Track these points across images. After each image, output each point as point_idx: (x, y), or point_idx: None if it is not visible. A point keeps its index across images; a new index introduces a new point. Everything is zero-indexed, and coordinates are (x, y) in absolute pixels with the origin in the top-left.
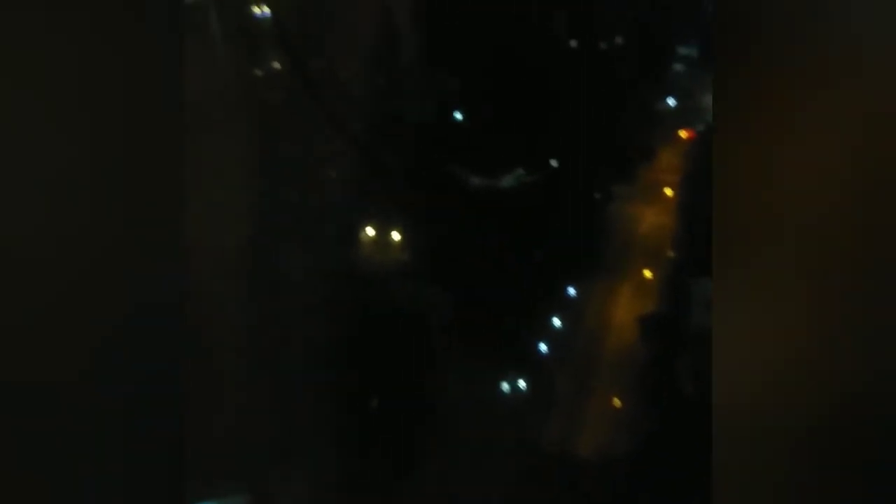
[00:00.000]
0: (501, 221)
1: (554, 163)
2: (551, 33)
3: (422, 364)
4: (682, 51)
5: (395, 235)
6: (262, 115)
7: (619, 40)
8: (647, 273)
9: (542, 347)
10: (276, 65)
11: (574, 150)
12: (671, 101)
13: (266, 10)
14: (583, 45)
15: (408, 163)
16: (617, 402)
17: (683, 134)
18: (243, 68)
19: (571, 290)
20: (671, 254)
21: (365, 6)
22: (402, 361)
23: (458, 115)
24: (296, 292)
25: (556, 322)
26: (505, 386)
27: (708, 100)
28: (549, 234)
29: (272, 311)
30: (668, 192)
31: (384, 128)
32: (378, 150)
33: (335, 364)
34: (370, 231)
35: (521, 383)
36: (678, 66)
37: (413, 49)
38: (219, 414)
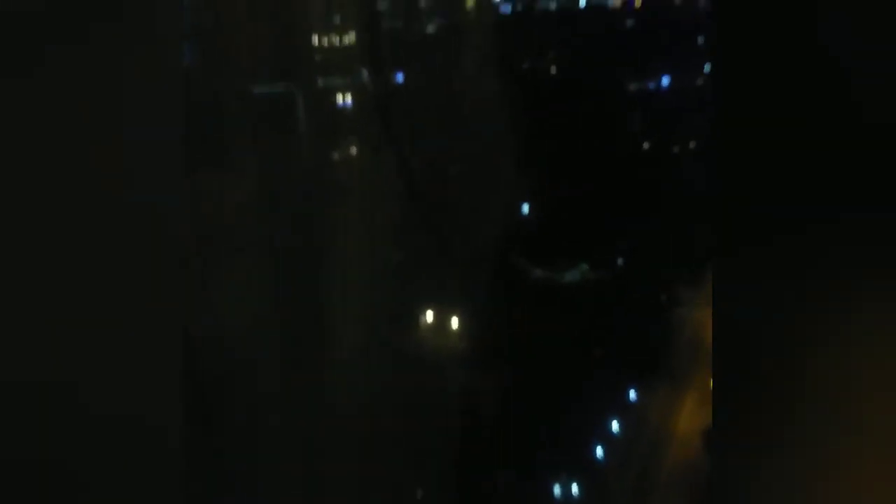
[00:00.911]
0: (562, 317)
1: (620, 261)
2: (624, 133)
3: (470, 457)
4: None
5: (453, 322)
6: (336, 197)
7: (692, 145)
8: None
9: (599, 451)
10: (353, 150)
11: (641, 250)
12: None
13: (348, 100)
14: (656, 146)
15: (472, 249)
16: None
17: None
18: (323, 153)
19: (633, 394)
20: None
21: (438, 97)
22: (449, 452)
23: (525, 207)
24: (346, 373)
25: (615, 426)
26: (556, 489)
27: None
28: (612, 333)
29: (320, 393)
30: None
31: (451, 214)
32: (444, 235)
33: (382, 449)
34: (428, 315)
35: (575, 488)
36: None
37: (484, 139)
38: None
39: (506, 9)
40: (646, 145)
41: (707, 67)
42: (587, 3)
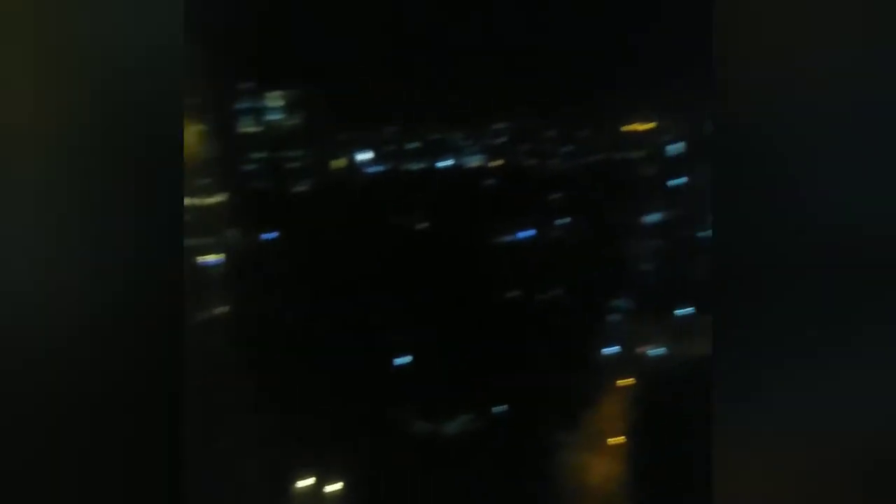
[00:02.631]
0: (449, 470)
1: (499, 409)
2: (492, 283)
3: None
4: (618, 303)
5: (333, 486)
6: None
7: (557, 292)
8: None
9: None
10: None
11: (519, 397)
12: (609, 351)
13: (215, 259)
14: (522, 296)
15: (348, 408)
16: None
17: (622, 383)
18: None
19: None
20: None
21: (308, 254)
22: None
23: (401, 360)
24: None
25: None
26: None
27: (642, 349)
28: (497, 484)
29: None
30: (613, 441)
31: (324, 373)
32: (317, 395)
33: None
34: (307, 481)
35: None
36: (614, 318)
37: (355, 294)
38: None
39: (372, 169)
40: (512, 294)
41: (562, 221)
42: (452, 163)
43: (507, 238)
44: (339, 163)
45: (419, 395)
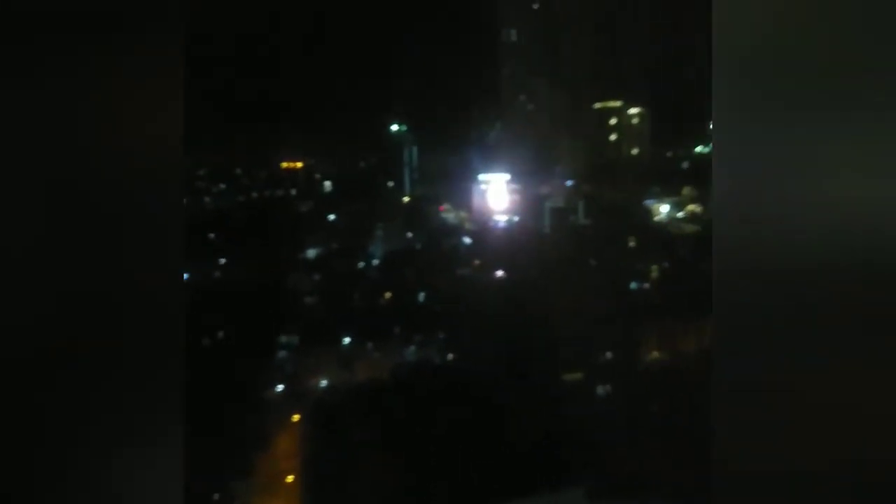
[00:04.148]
0: None
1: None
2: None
3: None
4: (285, 339)
5: None
6: None
7: (221, 334)
8: None
9: None
10: None
11: (192, 451)
12: (279, 388)
13: None
14: (189, 340)
15: None
16: None
17: (296, 418)
18: None
19: None
20: None
21: None
22: None
23: None
24: None
25: None
26: None
27: (314, 383)
28: None
29: None
30: (290, 479)
31: None
32: None
33: None
34: None
35: None
36: (282, 354)
37: None
38: None
39: None
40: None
41: (220, 261)
42: None
43: None
44: None
45: None
